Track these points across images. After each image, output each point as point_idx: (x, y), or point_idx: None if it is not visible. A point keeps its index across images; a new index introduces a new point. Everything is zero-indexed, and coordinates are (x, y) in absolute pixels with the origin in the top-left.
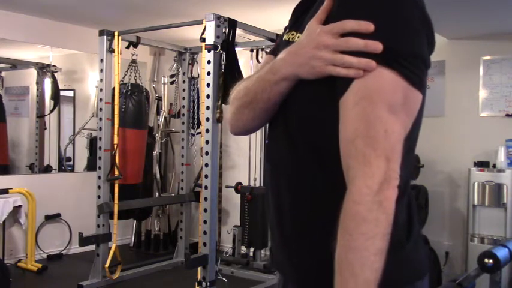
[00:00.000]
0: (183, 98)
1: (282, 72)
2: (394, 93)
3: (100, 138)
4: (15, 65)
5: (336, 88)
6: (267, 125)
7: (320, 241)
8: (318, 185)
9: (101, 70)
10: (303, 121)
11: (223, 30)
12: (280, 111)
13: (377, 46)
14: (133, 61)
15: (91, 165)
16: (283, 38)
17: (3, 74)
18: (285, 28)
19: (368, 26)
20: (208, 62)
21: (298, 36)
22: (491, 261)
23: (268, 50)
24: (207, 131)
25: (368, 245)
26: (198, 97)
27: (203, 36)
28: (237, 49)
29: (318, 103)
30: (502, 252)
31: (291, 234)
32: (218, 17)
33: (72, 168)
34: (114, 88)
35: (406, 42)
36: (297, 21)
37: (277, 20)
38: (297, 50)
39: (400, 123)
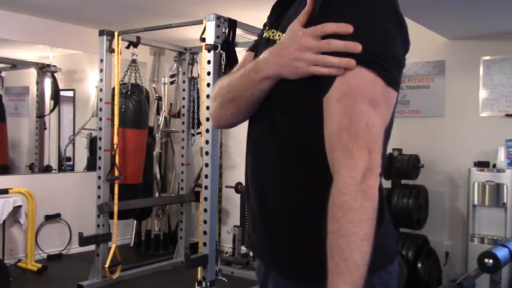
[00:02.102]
0: (183, 98)
1: (264, 72)
2: (373, 91)
3: (100, 138)
4: (15, 65)
5: (318, 86)
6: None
7: (303, 231)
8: (301, 178)
9: (101, 70)
10: (287, 117)
11: (223, 30)
12: (263, 106)
13: (356, 47)
14: (134, 61)
15: (91, 165)
16: (264, 36)
17: (3, 74)
18: (264, 25)
19: (347, 28)
20: (208, 62)
21: (279, 35)
22: (491, 261)
23: None
24: (207, 131)
25: (355, 231)
26: (198, 97)
27: (203, 36)
28: (237, 49)
29: (302, 100)
30: (502, 252)
31: (275, 226)
32: (218, 17)
33: (72, 168)
34: (114, 88)
35: (383, 44)
36: (277, 20)
37: None
38: (280, 51)
39: (380, 117)
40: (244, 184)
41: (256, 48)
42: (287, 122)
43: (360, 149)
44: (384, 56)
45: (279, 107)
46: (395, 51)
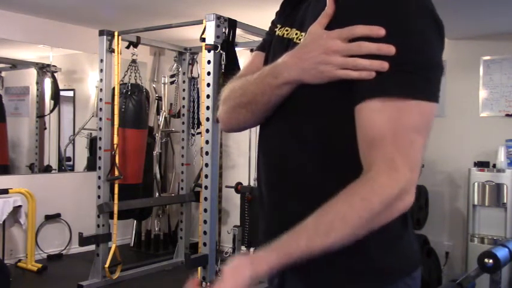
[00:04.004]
0: (183, 98)
1: (284, 77)
2: (421, 115)
3: (100, 138)
4: (15, 65)
5: (343, 91)
6: None
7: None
8: (325, 182)
9: (101, 70)
10: (311, 120)
11: (223, 30)
12: (280, 109)
13: (390, 49)
14: (134, 61)
15: (91, 165)
16: (277, 34)
17: (3, 74)
18: (274, 22)
19: (379, 31)
20: (208, 62)
21: (297, 34)
22: (491, 261)
23: None
24: (207, 131)
25: (357, 223)
26: (198, 97)
27: (203, 36)
28: (237, 49)
29: (327, 104)
30: (502, 252)
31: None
32: (218, 17)
33: (72, 168)
34: (114, 88)
35: (422, 49)
36: (290, 16)
37: None
38: (301, 54)
39: (423, 137)
40: (244, 185)
41: (267, 48)
42: (312, 124)
43: (404, 165)
44: (425, 64)
45: (300, 110)
46: (439, 58)
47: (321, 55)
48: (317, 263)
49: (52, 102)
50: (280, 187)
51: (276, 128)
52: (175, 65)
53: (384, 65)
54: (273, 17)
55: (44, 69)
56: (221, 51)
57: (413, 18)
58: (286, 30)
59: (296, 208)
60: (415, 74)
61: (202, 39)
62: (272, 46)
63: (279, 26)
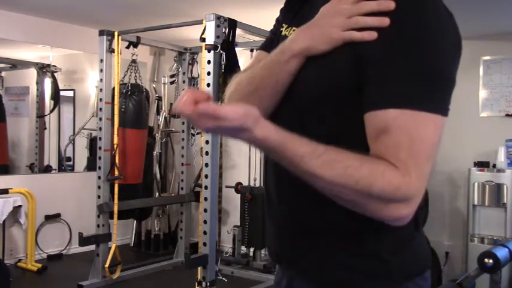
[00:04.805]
0: None
1: (291, 49)
2: (436, 130)
3: (100, 138)
4: (15, 65)
5: (361, 95)
6: None
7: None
8: None
9: (101, 70)
10: (320, 117)
11: (223, 30)
12: (288, 103)
13: (389, 4)
14: (134, 61)
15: (91, 165)
16: (283, 34)
17: (3, 74)
18: (279, 21)
19: (388, 4)
20: (208, 62)
21: None
22: (491, 261)
23: None
24: None
25: (352, 187)
26: None
27: (203, 36)
28: (237, 49)
29: (337, 103)
30: (502, 252)
31: (311, 234)
32: (218, 17)
33: (72, 168)
34: (114, 88)
35: (447, 68)
36: (297, 15)
37: None
38: (311, 24)
39: (435, 153)
40: (244, 185)
41: (271, 47)
42: (325, 125)
43: (417, 173)
44: (445, 79)
45: (310, 106)
46: (453, 73)
47: (330, 19)
48: (329, 264)
49: (52, 102)
50: (290, 188)
51: (286, 124)
52: (175, 65)
53: (384, 21)
54: (273, 17)
55: (44, 69)
56: (221, 51)
57: (439, 36)
58: (293, 30)
59: (306, 209)
60: (436, 89)
61: (202, 39)
62: (276, 45)
63: (285, 25)
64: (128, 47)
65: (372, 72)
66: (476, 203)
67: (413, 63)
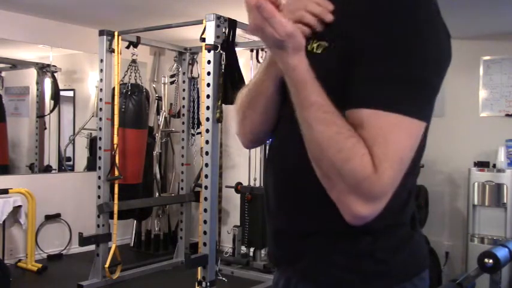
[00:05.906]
0: (183, 98)
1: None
2: (413, 135)
3: (100, 138)
4: (15, 65)
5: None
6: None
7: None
8: None
9: (101, 70)
10: None
11: (223, 30)
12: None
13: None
14: (134, 61)
15: (91, 165)
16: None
17: (3, 74)
18: None
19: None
20: (208, 62)
21: (319, 45)
22: (491, 261)
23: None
24: (207, 131)
25: (330, 153)
26: (198, 97)
27: (203, 36)
28: (237, 49)
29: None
30: (502, 252)
31: (312, 235)
32: (218, 17)
33: (72, 168)
34: (114, 88)
35: (435, 74)
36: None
37: None
38: None
39: (410, 158)
40: (244, 185)
41: None
42: None
43: (387, 175)
44: (430, 86)
45: None
46: (439, 81)
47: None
48: (326, 265)
49: (52, 102)
50: (287, 190)
51: (286, 138)
52: (175, 65)
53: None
54: None
55: (44, 69)
56: (221, 51)
57: (431, 42)
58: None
59: (303, 211)
60: (414, 92)
61: (202, 39)
62: None
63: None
64: (127, 47)
65: (355, 71)
66: (476, 203)
67: (394, 66)
